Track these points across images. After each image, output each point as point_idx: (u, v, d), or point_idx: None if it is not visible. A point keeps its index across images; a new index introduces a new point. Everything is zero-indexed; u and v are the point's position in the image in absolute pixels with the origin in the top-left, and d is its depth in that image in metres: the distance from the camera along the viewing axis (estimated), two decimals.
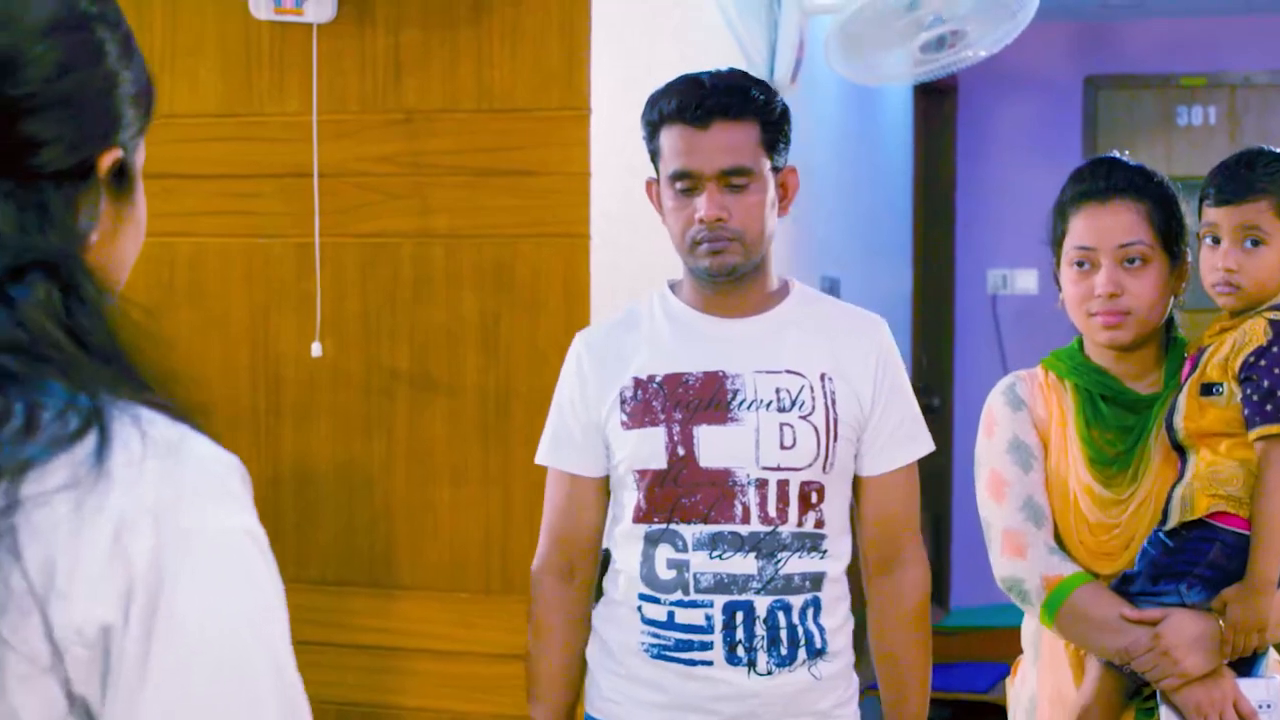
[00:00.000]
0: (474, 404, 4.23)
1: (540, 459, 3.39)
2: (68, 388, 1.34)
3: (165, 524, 1.32)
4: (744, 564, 3.17)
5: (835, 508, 3.24)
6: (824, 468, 3.20)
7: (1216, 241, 3.18)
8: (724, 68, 3.29)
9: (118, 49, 1.50)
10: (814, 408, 3.20)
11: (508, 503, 4.20)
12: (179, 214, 4.40)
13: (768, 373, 3.22)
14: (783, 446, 3.17)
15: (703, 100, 3.17)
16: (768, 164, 3.21)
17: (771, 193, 3.22)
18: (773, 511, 3.17)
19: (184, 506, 1.34)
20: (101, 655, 1.30)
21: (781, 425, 3.18)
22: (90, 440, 1.31)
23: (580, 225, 4.12)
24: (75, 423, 1.31)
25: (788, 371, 3.22)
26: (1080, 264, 3.26)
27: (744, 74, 3.27)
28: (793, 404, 3.19)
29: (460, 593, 4.26)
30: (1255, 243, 3.14)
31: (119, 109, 1.49)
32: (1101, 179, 3.27)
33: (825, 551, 3.22)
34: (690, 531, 3.18)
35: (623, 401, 3.25)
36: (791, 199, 3.31)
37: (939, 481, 8.61)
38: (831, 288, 6.55)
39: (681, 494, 3.19)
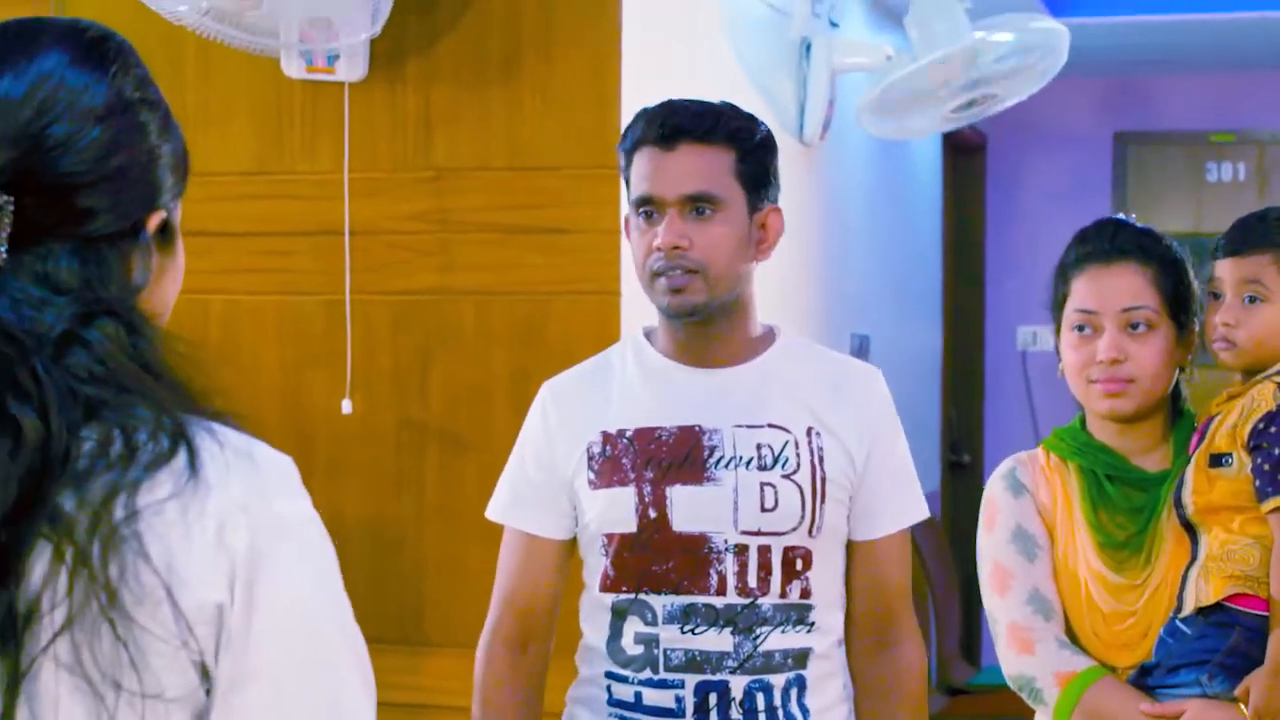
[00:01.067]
0: (504, 461, 4.22)
1: (493, 514, 3.13)
2: (150, 410, 1.58)
3: (254, 516, 1.60)
4: (718, 640, 2.88)
5: (825, 576, 2.95)
6: (810, 531, 2.91)
7: (1218, 297, 3.07)
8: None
9: (158, 126, 1.74)
10: (799, 465, 2.91)
11: None
12: (212, 271, 4.41)
13: (748, 427, 2.93)
14: (763, 509, 2.89)
15: (669, 119, 2.92)
16: (742, 196, 2.92)
17: (744, 229, 2.93)
18: (752, 581, 2.88)
19: (266, 500, 1.62)
20: (216, 629, 1.57)
21: (762, 485, 2.90)
22: (182, 454, 1.57)
23: (611, 283, 4.13)
24: (166, 441, 1.57)
25: (770, 426, 2.93)
26: (1081, 328, 3.10)
27: (727, 104, 3.01)
28: (775, 461, 2.91)
29: None
30: (1254, 299, 3.02)
31: (160, 177, 1.72)
32: (1106, 240, 3.13)
33: (813, 624, 2.93)
34: (660, 603, 2.90)
35: (590, 458, 2.97)
36: (773, 242, 3.00)
37: (969, 538, 8.57)
38: (861, 345, 6.55)
39: (652, 561, 2.90)
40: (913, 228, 8.04)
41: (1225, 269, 3.07)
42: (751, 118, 3.00)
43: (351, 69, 4.22)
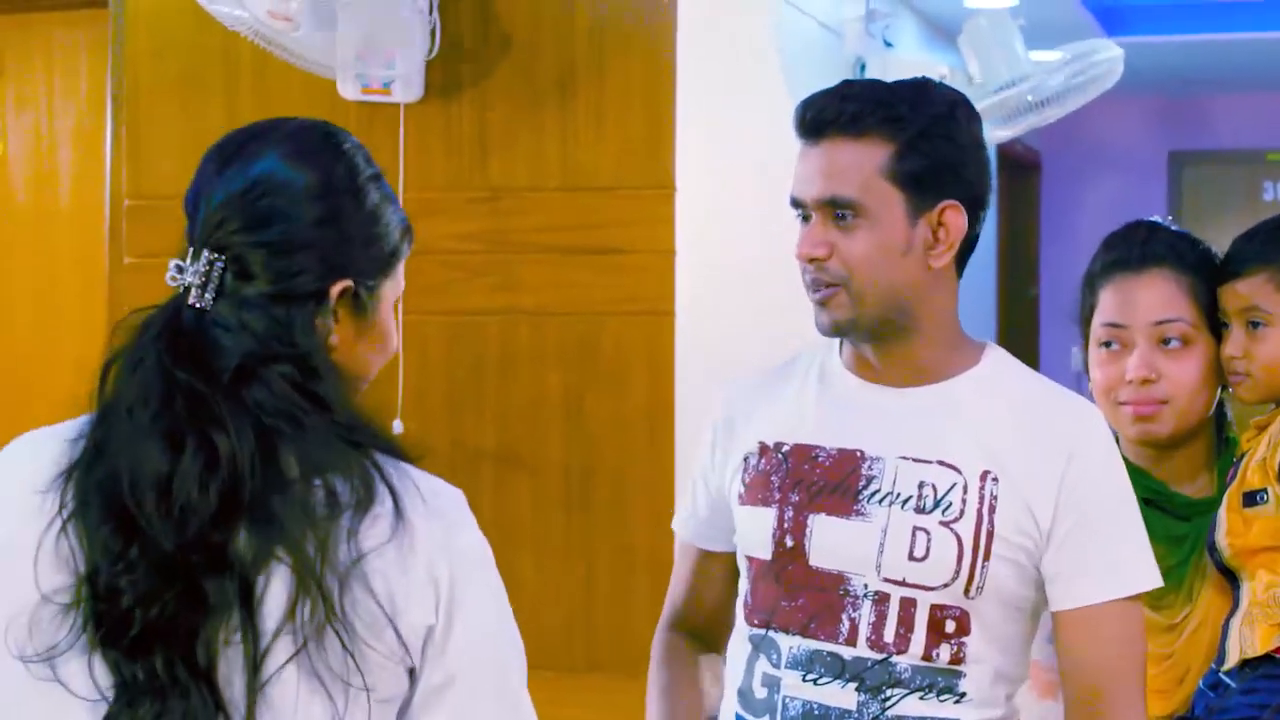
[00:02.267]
0: (558, 480, 4.23)
1: (674, 522, 2.83)
2: (331, 452, 1.91)
3: (452, 553, 1.96)
4: (841, 695, 2.49)
5: (989, 646, 2.48)
6: (967, 591, 2.45)
7: (1226, 327, 2.78)
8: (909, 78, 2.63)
9: (355, 211, 2.04)
10: (962, 513, 2.46)
11: (591, 580, 4.19)
12: None
13: (914, 461, 2.50)
14: (912, 556, 2.46)
15: (816, 107, 2.51)
16: (898, 198, 2.47)
17: (900, 236, 2.48)
18: (888, 636, 2.46)
19: (456, 535, 1.98)
20: (424, 642, 1.92)
21: (915, 530, 2.47)
22: (387, 500, 1.91)
23: (665, 303, 4.13)
24: (361, 487, 1.90)
25: (940, 463, 2.49)
26: (1108, 344, 2.79)
27: (916, 82, 2.58)
28: (935, 505, 2.47)
29: (545, 671, 4.22)
30: (1257, 324, 2.72)
31: (351, 253, 2.01)
32: (1136, 246, 2.79)
33: (963, 696, 2.47)
34: (787, 644, 2.52)
35: (745, 470, 2.62)
36: (953, 244, 2.51)
37: None
38: None
39: (783, 595, 2.54)
40: None
41: (1226, 297, 2.76)
42: (929, 99, 2.53)
43: (407, 90, 4.23)
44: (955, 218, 2.49)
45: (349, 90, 4.22)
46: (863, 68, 5.44)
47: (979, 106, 5.19)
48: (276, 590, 1.86)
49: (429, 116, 4.32)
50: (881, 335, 2.52)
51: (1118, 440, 2.74)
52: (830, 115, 2.48)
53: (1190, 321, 2.76)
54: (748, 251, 4.56)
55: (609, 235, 4.19)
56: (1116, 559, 2.48)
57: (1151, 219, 2.92)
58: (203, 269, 1.96)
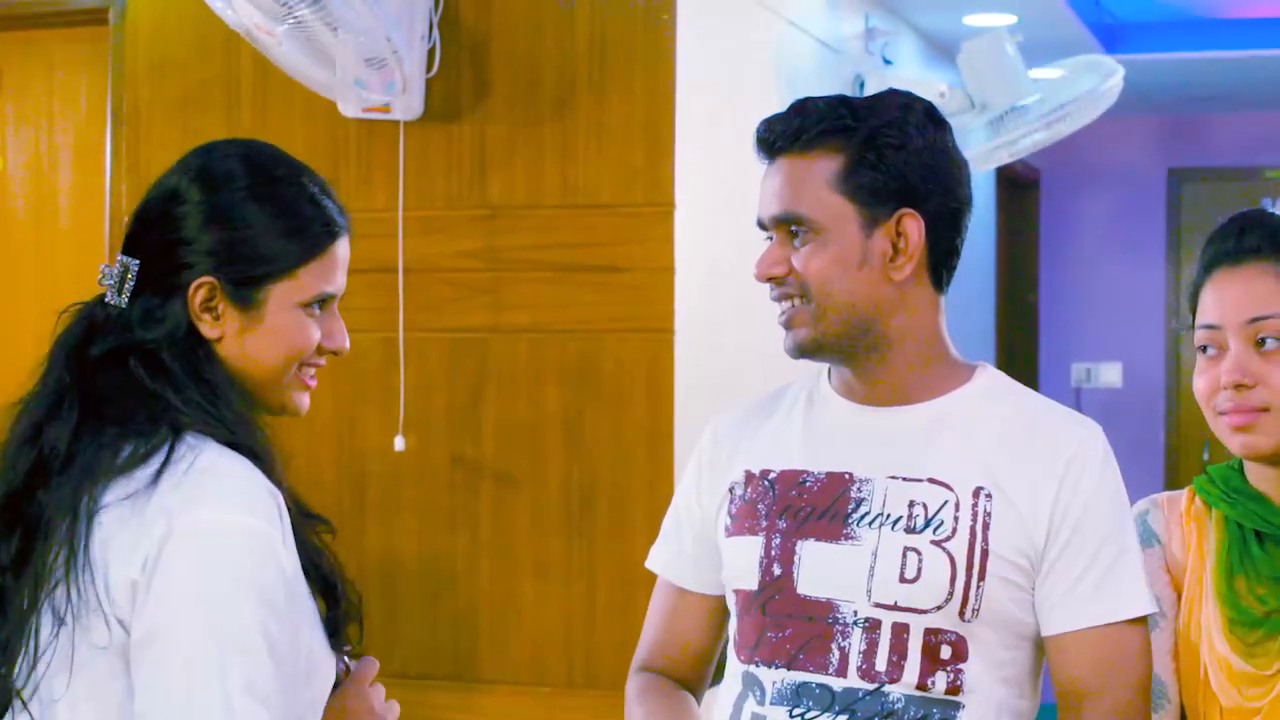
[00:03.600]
0: (557, 498, 4.23)
1: (648, 561, 2.72)
2: (152, 426, 2.10)
3: (177, 518, 2.03)
4: None
5: (987, 673, 2.36)
6: (962, 613, 2.33)
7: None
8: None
9: (200, 219, 2.18)
10: (954, 531, 2.34)
11: (591, 597, 4.20)
12: None
13: (904, 480, 2.39)
14: (903, 579, 2.34)
15: (767, 127, 2.48)
16: (851, 210, 2.39)
17: (856, 249, 2.39)
18: (880, 664, 2.34)
19: (195, 508, 2.04)
20: (131, 599, 2.03)
21: (905, 550, 2.35)
22: (155, 464, 2.06)
23: (664, 320, 4.13)
24: (143, 451, 2.07)
25: (930, 481, 2.38)
26: (1205, 348, 2.46)
27: (874, 94, 2.50)
28: (926, 524, 2.36)
29: (543, 686, 4.25)
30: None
31: (212, 255, 2.17)
32: (1232, 238, 2.48)
33: None
34: (771, 678, 2.40)
35: (730, 500, 2.52)
36: (914, 255, 2.41)
37: None
38: None
39: (768, 627, 2.41)
40: (965, 264, 8.00)
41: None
42: (881, 106, 2.45)
43: (407, 109, 4.24)
44: (913, 227, 2.40)
45: (349, 108, 4.22)
46: (861, 85, 5.45)
47: (980, 129, 5.20)
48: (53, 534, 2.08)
49: (428, 134, 4.32)
50: (854, 355, 2.44)
51: (1241, 466, 2.50)
52: (781, 132, 2.45)
53: None
54: (747, 269, 4.54)
55: (608, 253, 4.19)
56: (1104, 582, 2.36)
57: (1256, 208, 2.62)
58: (116, 271, 2.19)
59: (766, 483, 2.48)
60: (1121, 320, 9.20)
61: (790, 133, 2.43)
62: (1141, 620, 2.38)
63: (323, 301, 2.25)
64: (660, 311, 4.14)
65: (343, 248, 2.27)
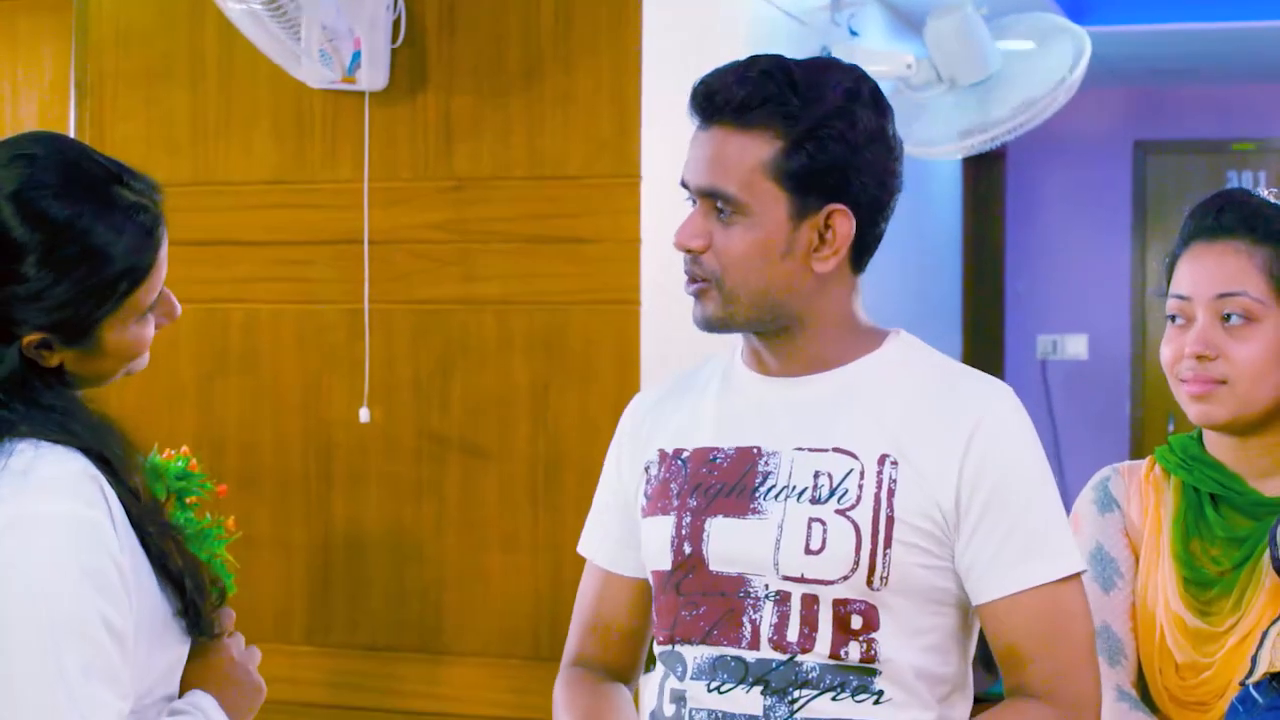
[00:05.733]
0: (524, 471, 4.23)
1: (579, 545, 2.68)
2: None
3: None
4: (745, 701, 2.34)
5: (905, 641, 2.33)
6: (870, 582, 2.30)
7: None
8: (792, 57, 2.42)
9: (48, 276, 2.12)
10: (859, 500, 2.31)
11: (558, 569, 4.20)
12: (232, 280, 4.43)
13: (810, 451, 2.35)
14: (808, 550, 2.31)
15: (710, 86, 2.37)
16: (781, 199, 2.32)
17: (780, 237, 2.33)
18: (792, 635, 2.31)
19: (5, 502, 2.03)
20: None
21: (810, 521, 2.32)
22: None
23: (631, 292, 4.13)
24: None
25: (835, 450, 2.34)
26: (1174, 318, 2.57)
27: (816, 66, 2.38)
28: (831, 493, 2.32)
29: (510, 659, 4.25)
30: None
31: (19, 316, 2.13)
32: (1210, 215, 2.57)
33: (880, 695, 2.32)
34: (691, 655, 2.38)
35: (647, 480, 2.49)
36: (840, 249, 2.35)
37: None
38: None
39: (683, 606, 2.39)
40: (932, 237, 8.04)
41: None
42: (827, 89, 2.34)
43: (373, 79, 4.22)
44: (843, 223, 2.34)
45: (313, 79, 4.21)
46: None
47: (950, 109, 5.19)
48: None
49: (394, 105, 4.31)
50: (763, 333, 2.40)
51: (1200, 436, 2.63)
52: (721, 100, 2.35)
53: (1258, 297, 2.51)
54: None
55: (575, 225, 4.19)
56: (1030, 545, 2.31)
57: (1240, 187, 2.73)
58: None
59: (680, 461, 2.45)
60: (1087, 292, 9.21)
61: (732, 104, 2.34)
62: (1074, 578, 2.33)
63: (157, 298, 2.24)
64: (627, 284, 4.14)
65: (163, 246, 2.22)
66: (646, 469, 2.49)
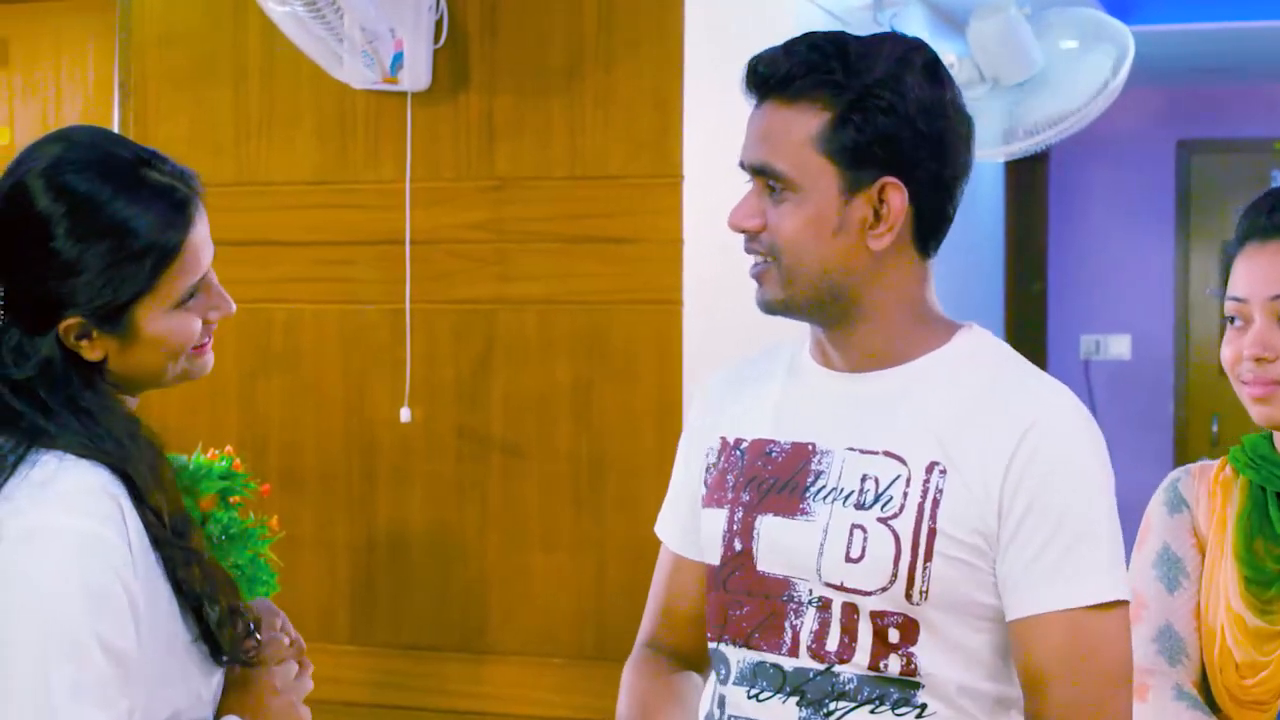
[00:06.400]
0: (566, 470, 4.23)
1: (656, 525, 2.62)
2: (15, 440, 2.11)
3: (6, 523, 2.03)
4: (781, 711, 2.27)
5: (946, 657, 2.23)
6: (909, 595, 2.20)
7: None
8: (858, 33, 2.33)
9: (76, 249, 2.13)
10: (902, 509, 2.21)
11: (600, 569, 4.20)
12: (274, 280, 4.43)
13: (861, 452, 2.27)
14: (849, 558, 2.22)
15: (757, 64, 2.31)
16: (831, 172, 2.23)
17: (831, 212, 2.24)
18: (831, 644, 2.23)
19: (26, 512, 2.04)
20: None
21: (853, 528, 2.23)
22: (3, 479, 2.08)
23: (673, 292, 4.12)
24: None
25: (885, 454, 2.25)
26: (1232, 319, 2.54)
27: (869, 39, 2.30)
28: (875, 499, 2.23)
29: (553, 658, 4.25)
30: None
31: (69, 292, 2.13)
32: (1263, 213, 2.54)
33: (923, 710, 2.23)
34: (735, 657, 2.32)
35: (707, 468, 2.44)
36: (895, 225, 2.25)
37: None
38: None
39: (730, 604, 2.33)
40: (974, 236, 8.02)
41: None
42: (876, 58, 2.26)
43: (415, 79, 4.23)
44: (896, 197, 2.24)
45: (356, 79, 4.22)
46: None
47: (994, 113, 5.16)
48: None
49: (436, 105, 4.32)
50: (825, 319, 2.32)
51: (1271, 436, 2.59)
52: (768, 75, 2.28)
53: None
54: None
55: (616, 224, 4.19)
56: (1062, 565, 2.18)
57: None
58: None
59: (738, 452, 2.38)
60: (1131, 292, 9.19)
61: (778, 77, 2.26)
62: (1112, 606, 2.19)
63: (196, 285, 2.22)
64: (668, 283, 4.13)
65: (198, 229, 2.21)
66: (708, 455, 2.43)
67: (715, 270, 4.27)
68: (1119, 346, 9.09)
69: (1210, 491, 2.62)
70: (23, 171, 2.17)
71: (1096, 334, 9.13)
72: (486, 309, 4.30)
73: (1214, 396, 8.72)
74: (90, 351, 2.16)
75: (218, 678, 2.22)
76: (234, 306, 2.28)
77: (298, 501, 4.37)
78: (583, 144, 4.22)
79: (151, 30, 4.57)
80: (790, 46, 2.28)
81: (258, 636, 2.30)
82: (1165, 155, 9.30)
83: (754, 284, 2.33)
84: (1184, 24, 7.65)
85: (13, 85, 5.26)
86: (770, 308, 2.32)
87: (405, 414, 4.29)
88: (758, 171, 2.28)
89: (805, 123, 2.23)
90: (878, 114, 2.21)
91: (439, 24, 4.26)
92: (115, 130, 4.56)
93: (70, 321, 2.14)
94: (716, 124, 4.33)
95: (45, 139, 2.21)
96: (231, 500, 3.58)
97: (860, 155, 2.22)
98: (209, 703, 2.21)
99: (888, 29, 5.57)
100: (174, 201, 2.17)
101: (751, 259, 2.31)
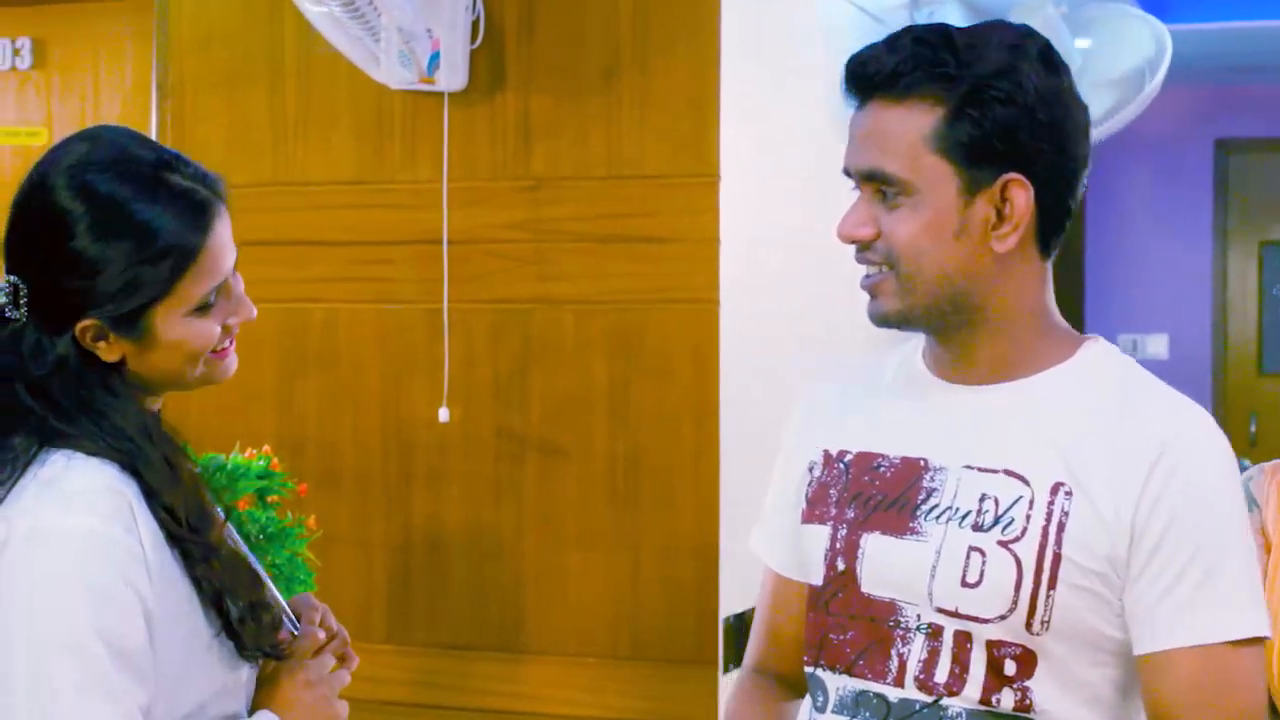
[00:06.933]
0: (603, 470, 4.23)
1: (750, 540, 2.49)
2: (24, 442, 2.12)
3: (17, 517, 2.05)
4: None
5: (1064, 692, 2.10)
6: (1029, 625, 2.06)
7: None
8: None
9: (95, 249, 2.13)
10: (1024, 532, 2.07)
11: (636, 569, 4.19)
12: (311, 280, 4.44)
13: (979, 470, 2.13)
14: (965, 582, 2.09)
15: (859, 62, 2.15)
16: (949, 172, 2.10)
17: (952, 215, 2.11)
18: (940, 675, 2.10)
19: (35, 512, 2.05)
20: None
21: (970, 550, 2.09)
22: (7, 476, 2.09)
23: (709, 291, 4.12)
24: (8, 470, 2.10)
25: (1006, 472, 2.11)
26: None
27: (978, 28, 2.17)
28: (995, 521, 2.09)
29: (588, 658, 4.25)
30: None
31: (86, 296, 2.14)
32: None
33: None
34: (834, 684, 2.20)
35: (809, 481, 2.30)
36: (1020, 224, 2.12)
37: None
38: None
39: (831, 627, 2.20)
40: None
41: None
42: (989, 47, 2.12)
43: (451, 79, 4.23)
44: (1020, 194, 2.11)
45: (393, 80, 4.22)
46: None
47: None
48: None
49: (473, 105, 4.32)
50: (944, 329, 2.18)
51: None
52: (873, 73, 2.12)
53: None
54: (792, 240, 4.56)
55: (653, 224, 4.18)
56: (1197, 598, 2.04)
57: None
58: (7, 290, 2.18)
59: (842, 465, 2.24)
60: (1168, 292, 9.16)
61: (884, 74, 2.11)
62: (1249, 642, 2.06)
63: (216, 290, 2.22)
64: (705, 283, 4.13)
65: (218, 233, 2.20)
66: (810, 469, 2.30)
67: (751, 269, 4.27)
68: (1156, 346, 9.07)
69: (1278, 491, 2.56)
70: (46, 168, 2.17)
71: (1134, 333, 9.11)
72: (524, 309, 4.30)
73: (1252, 396, 8.69)
74: (107, 353, 2.17)
75: (248, 671, 2.23)
76: (254, 312, 2.27)
77: (335, 501, 4.38)
78: (619, 144, 4.22)
79: (189, 31, 4.58)
80: (894, 41, 2.14)
81: (293, 631, 2.31)
82: (1203, 154, 9.28)
83: (868, 295, 2.20)
84: (1222, 22, 7.62)
85: (51, 86, 5.28)
86: (885, 320, 2.18)
87: (444, 414, 4.29)
88: (868, 177, 2.14)
89: (917, 120, 2.10)
90: (995, 105, 2.08)
91: (475, 24, 4.26)
92: (152, 130, 4.58)
93: (87, 323, 2.15)
94: (753, 123, 4.33)
95: (72, 138, 2.21)
96: (269, 500, 3.60)
97: (979, 151, 2.10)
98: (239, 694, 2.22)
99: None
100: (194, 204, 2.17)
101: (864, 270, 2.18)
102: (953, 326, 2.17)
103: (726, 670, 3.39)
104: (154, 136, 4.57)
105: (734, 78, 4.19)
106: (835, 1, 5.03)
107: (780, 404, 4.38)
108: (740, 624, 4.08)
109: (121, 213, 2.13)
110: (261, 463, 3.61)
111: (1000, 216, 2.12)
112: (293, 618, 2.40)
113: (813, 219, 4.77)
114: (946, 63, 2.09)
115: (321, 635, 2.35)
